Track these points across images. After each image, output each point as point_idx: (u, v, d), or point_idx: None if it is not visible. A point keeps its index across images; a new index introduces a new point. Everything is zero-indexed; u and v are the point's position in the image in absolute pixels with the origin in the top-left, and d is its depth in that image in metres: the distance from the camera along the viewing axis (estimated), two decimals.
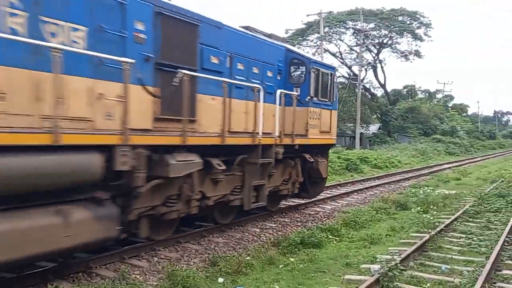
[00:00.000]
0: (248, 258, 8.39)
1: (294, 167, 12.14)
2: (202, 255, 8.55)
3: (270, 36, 11.86)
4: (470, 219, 12.54)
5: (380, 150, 38.28)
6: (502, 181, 22.22)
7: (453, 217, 12.30)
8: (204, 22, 8.70)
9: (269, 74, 10.97)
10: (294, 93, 11.38)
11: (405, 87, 74.06)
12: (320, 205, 14.16)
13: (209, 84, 8.77)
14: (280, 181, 11.69)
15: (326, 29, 49.47)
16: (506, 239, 9.87)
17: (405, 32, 55.06)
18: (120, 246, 8.13)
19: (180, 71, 7.62)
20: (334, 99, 13.58)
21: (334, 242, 10.13)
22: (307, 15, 53.33)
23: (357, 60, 48.83)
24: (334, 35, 55.31)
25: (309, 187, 13.22)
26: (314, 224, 11.72)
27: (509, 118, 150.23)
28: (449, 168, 32.06)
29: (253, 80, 10.12)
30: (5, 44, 5.32)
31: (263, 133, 9.99)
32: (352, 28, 53.42)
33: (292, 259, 8.55)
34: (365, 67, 53.53)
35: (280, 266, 8.16)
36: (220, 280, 7.25)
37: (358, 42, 48.65)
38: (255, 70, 10.41)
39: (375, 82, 57.60)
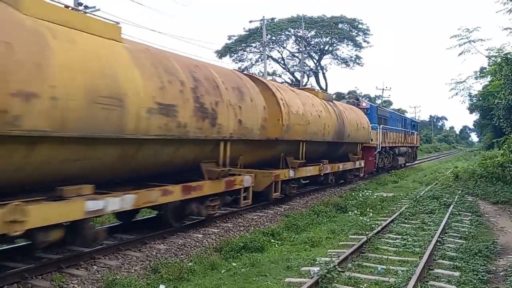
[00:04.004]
0: (190, 264, 8.38)
1: (412, 153, 40.86)
2: (143, 262, 8.44)
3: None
4: (406, 221, 13.02)
5: None
6: (436, 183, 23.22)
7: (390, 219, 12.74)
8: (406, 118, 41.89)
9: (409, 126, 38.93)
10: (415, 131, 42.53)
11: (348, 93, 76.07)
12: (263, 210, 14.27)
13: (406, 132, 37.17)
14: (412, 156, 41.19)
15: (269, 36, 50.01)
16: (439, 239, 10.31)
17: (345, 39, 56.53)
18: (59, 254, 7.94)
19: (409, 131, 38.90)
20: (418, 131, 48.93)
21: (276, 245, 10.27)
22: (250, 22, 53.72)
23: (299, 66, 49.62)
24: (277, 42, 55.98)
25: (411, 159, 40.90)
26: (257, 228, 11.82)
27: (444, 123, 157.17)
28: (387, 171, 33.14)
29: (410, 130, 39.33)
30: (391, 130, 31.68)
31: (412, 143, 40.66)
32: (294, 35, 54.31)
33: (234, 264, 8.62)
34: (307, 73, 54.48)
35: (222, 271, 8.20)
36: (162, 287, 7.20)
37: (300, 49, 49.50)
38: (408, 127, 38.33)
39: (318, 88, 58.82)
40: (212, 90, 10.41)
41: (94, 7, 23.45)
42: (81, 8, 23.40)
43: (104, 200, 7.69)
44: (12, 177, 6.51)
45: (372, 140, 25.32)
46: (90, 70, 7.17)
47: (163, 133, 8.65)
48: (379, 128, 27.09)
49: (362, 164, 23.50)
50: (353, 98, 27.47)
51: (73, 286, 6.98)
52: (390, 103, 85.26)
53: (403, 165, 36.34)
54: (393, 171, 31.18)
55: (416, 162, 44.85)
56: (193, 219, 11.51)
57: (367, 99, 72.16)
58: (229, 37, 55.63)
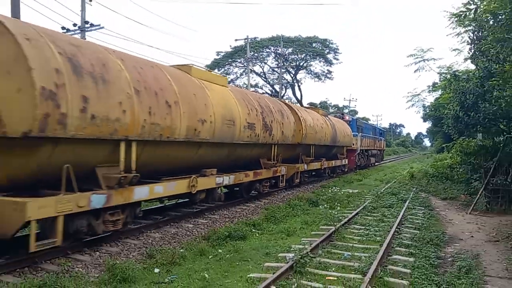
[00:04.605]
0: (181, 250, 8.34)
1: (380, 155, 43.67)
2: (140, 249, 8.39)
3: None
4: (369, 214, 13.09)
5: None
6: (395, 181, 23.45)
7: (354, 212, 12.80)
8: (376, 127, 46.08)
9: (378, 134, 42.53)
10: (382, 138, 45.91)
11: (320, 103, 76.48)
12: (246, 203, 14.27)
13: (376, 138, 40.60)
14: (380, 157, 44.15)
15: (252, 52, 50.05)
16: (396, 229, 10.40)
17: (318, 57, 56.77)
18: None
19: (378, 137, 42.61)
20: (385, 137, 53.90)
21: (257, 235, 10.25)
22: (236, 40, 53.61)
23: (278, 79, 49.77)
24: (259, 58, 55.95)
25: (379, 160, 43.47)
26: (240, 219, 11.81)
27: (402, 130, 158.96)
28: (362, 168, 33.70)
29: (379, 137, 42.65)
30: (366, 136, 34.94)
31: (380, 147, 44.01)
32: (274, 52, 54.39)
33: (220, 250, 8.59)
34: (285, 85, 54.59)
35: (210, 257, 8.17)
36: (156, 270, 7.16)
37: (279, 64, 49.64)
38: (377, 134, 41.95)
39: (294, 98, 59.01)
40: (269, 113, 14.53)
41: (99, 25, 23.18)
42: (87, 25, 23.15)
43: (222, 177, 11.65)
44: (185, 164, 10.27)
45: (353, 144, 29.57)
46: (221, 105, 11.25)
47: (249, 140, 12.79)
48: (358, 135, 31.44)
49: (347, 162, 28.07)
50: (339, 113, 35.02)
51: (78, 270, 6.90)
52: (356, 112, 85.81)
53: (373, 164, 40.61)
54: (357, 170, 31.42)
55: (379, 163, 45.80)
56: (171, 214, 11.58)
57: (336, 108, 72.72)
58: (217, 53, 55.55)
